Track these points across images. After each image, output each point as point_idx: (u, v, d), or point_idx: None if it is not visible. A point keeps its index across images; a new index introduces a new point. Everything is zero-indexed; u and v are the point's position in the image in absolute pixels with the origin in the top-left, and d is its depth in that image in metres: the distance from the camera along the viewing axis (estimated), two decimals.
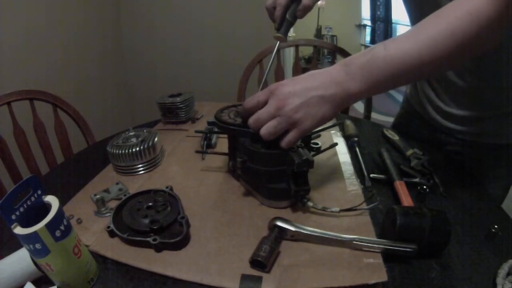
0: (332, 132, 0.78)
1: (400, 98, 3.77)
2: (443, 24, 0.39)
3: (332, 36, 4.63)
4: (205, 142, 0.74)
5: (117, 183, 0.61)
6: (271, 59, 0.67)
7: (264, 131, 0.45)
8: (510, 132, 0.64)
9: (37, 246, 0.34)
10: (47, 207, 0.37)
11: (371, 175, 0.61)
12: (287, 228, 0.44)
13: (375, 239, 0.44)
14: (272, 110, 0.44)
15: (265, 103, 0.46)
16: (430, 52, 0.40)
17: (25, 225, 0.34)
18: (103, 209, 0.53)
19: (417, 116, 0.81)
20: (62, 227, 0.36)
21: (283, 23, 0.66)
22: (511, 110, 0.61)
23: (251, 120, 0.46)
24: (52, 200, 0.37)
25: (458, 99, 0.67)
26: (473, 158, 0.70)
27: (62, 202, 0.38)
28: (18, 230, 0.33)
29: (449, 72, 0.64)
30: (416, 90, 0.80)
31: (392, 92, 4.09)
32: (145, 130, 0.71)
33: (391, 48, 0.41)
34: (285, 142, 0.46)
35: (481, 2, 0.37)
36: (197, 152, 0.70)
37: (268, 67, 0.68)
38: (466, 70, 0.61)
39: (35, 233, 0.33)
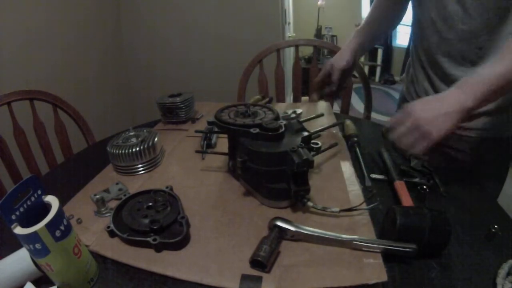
0: (332, 132, 0.78)
1: None
2: None
3: (332, 36, 4.62)
4: (205, 142, 0.74)
5: (117, 183, 0.61)
6: None
7: (404, 144, 0.53)
8: (508, 126, 0.67)
9: (37, 246, 0.34)
10: (47, 207, 0.37)
11: (371, 175, 0.61)
12: (287, 228, 0.44)
13: (375, 239, 0.44)
14: (410, 125, 0.52)
15: (403, 121, 0.53)
16: None
17: (25, 225, 0.34)
18: (103, 209, 0.53)
19: None
20: (62, 227, 0.36)
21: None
22: (507, 104, 0.64)
23: (395, 133, 0.54)
24: (52, 200, 0.37)
25: None
26: (470, 153, 0.71)
27: (62, 202, 0.38)
28: (18, 230, 0.33)
29: (449, 63, 0.67)
30: (413, 87, 0.82)
31: (391, 92, 4.09)
32: (145, 130, 0.71)
33: (488, 70, 0.50)
34: (417, 149, 0.52)
35: None
36: (197, 152, 0.70)
37: None
38: (467, 61, 0.63)
39: (35, 233, 0.33)
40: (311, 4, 4.26)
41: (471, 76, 0.52)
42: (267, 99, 1.00)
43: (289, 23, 2.91)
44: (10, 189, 0.34)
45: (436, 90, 0.73)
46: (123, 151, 0.63)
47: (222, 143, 0.76)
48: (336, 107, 1.83)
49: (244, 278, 0.39)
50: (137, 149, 0.63)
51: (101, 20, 1.82)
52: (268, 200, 0.53)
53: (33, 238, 0.33)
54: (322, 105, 0.99)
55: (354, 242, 0.42)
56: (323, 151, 0.63)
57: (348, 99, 1.21)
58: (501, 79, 0.49)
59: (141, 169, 0.65)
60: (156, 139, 0.67)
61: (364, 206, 0.50)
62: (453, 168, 0.66)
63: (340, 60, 0.77)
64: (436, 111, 0.51)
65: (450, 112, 0.50)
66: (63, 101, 0.99)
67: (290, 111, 0.89)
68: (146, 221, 0.47)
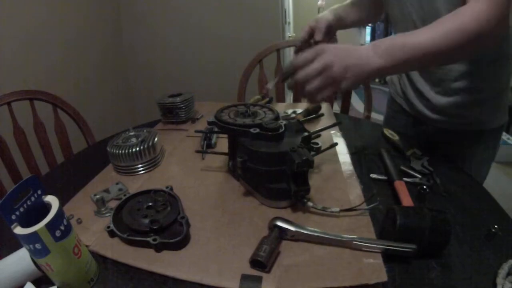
0: (332, 132, 0.78)
1: None
2: (453, 24, 0.48)
3: None
4: (205, 142, 0.74)
5: (117, 183, 0.61)
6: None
7: (311, 87, 0.51)
8: (491, 118, 0.70)
9: (37, 246, 0.34)
10: (47, 207, 0.37)
11: (371, 175, 0.61)
12: (287, 228, 0.44)
13: (375, 239, 0.44)
14: (320, 68, 0.50)
15: (312, 61, 0.51)
16: (440, 44, 0.48)
17: (25, 225, 0.34)
18: (103, 209, 0.53)
19: (403, 113, 0.85)
20: (62, 227, 0.36)
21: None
22: (489, 95, 0.67)
23: (302, 74, 0.51)
24: (52, 200, 0.37)
25: (444, 84, 0.70)
26: (459, 145, 0.73)
27: (62, 202, 0.38)
28: (18, 230, 0.33)
29: None
30: (400, 85, 0.85)
31: None
32: (145, 130, 0.71)
33: (409, 37, 0.50)
34: (323, 95, 0.52)
35: (482, 10, 0.47)
36: (197, 152, 0.70)
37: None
38: None
39: (35, 233, 0.33)
40: (311, 4, 4.26)
41: (391, 38, 0.52)
42: (267, 99, 1.00)
43: (289, 23, 2.91)
44: (10, 189, 0.34)
45: (414, 85, 0.76)
46: (123, 151, 0.63)
47: (222, 143, 0.76)
48: (336, 107, 1.83)
49: (244, 278, 0.39)
50: (137, 149, 0.63)
51: (101, 20, 1.82)
52: (268, 200, 0.53)
53: (33, 238, 0.33)
54: (322, 105, 0.98)
55: (354, 242, 0.42)
56: (323, 151, 0.63)
57: (348, 99, 1.21)
58: (417, 50, 0.49)
59: (141, 169, 0.65)
60: (156, 139, 0.67)
61: (364, 206, 0.50)
62: (453, 167, 0.65)
63: (324, 16, 0.74)
64: (347, 60, 0.50)
65: (360, 65, 0.50)
66: (63, 101, 0.99)
67: (290, 111, 0.89)
68: (146, 221, 0.47)
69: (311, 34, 0.76)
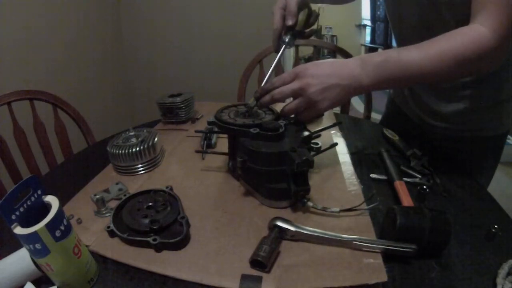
0: (332, 132, 0.78)
1: None
2: (450, 45, 0.46)
3: (332, 36, 4.62)
4: (205, 142, 0.74)
5: (117, 183, 0.61)
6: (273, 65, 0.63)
7: (287, 108, 0.53)
8: (494, 125, 0.68)
9: (37, 246, 0.34)
10: (47, 207, 0.37)
11: (371, 175, 0.61)
12: (287, 228, 0.44)
13: (375, 239, 0.44)
14: (296, 88, 0.50)
15: (290, 82, 0.52)
16: (434, 66, 0.46)
17: (25, 225, 0.34)
18: (103, 209, 0.53)
19: (402, 115, 0.84)
20: (62, 227, 0.36)
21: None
22: (492, 102, 0.65)
23: (276, 91, 0.52)
24: (52, 200, 0.37)
25: (444, 93, 0.69)
26: (459, 151, 0.72)
27: (62, 202, 0.38)
28: (18, 230, 0.33)
29: None
30: (401, 89, 0.83)
31: None
32: (145, 130, 0.71)
33: (403, 54, 0.48)
34: (303, 117, 0.53)
35: (485, 34, 0.45)
36: (197, 152, 0.70)
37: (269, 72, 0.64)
38: None
39: (35, 233, 0.33)
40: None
41: (382, 53, 0.49)
42: None
43: None
44: (10, 189, 0.34)
45: (414, 91, 0.75)
46: (123, 151, 0.63)
47: (222, 143, 0.76)
48: (336, 107, 1.83)
49: (244, 278, 0.39)
50: (137, 149, 0.63)
51: (101, 20, 1.82)
52: (268, 200, 0.53)
53: (33, 238, 0.33)
54: None
55: (354, 242, 0.42)
56: (323, 151, 0.63)
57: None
58: (409, 69, 0.47)
59: (141, 169, 0.65)
60: (156, 139, 0.67)
61: (364, 206, 0.50)
62: (453, 168, 0.65)
63: None
64: (327, 81, 0.48)
65: (342, 85, 0.48)
66: (63, 101, 0.99)
67: None
68: (146, 221, 0.47)
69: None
